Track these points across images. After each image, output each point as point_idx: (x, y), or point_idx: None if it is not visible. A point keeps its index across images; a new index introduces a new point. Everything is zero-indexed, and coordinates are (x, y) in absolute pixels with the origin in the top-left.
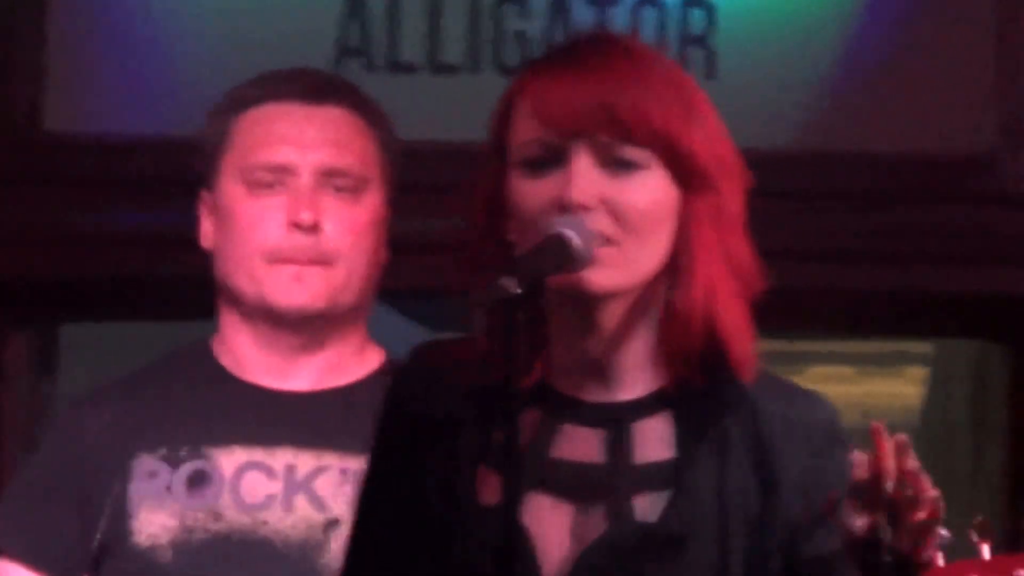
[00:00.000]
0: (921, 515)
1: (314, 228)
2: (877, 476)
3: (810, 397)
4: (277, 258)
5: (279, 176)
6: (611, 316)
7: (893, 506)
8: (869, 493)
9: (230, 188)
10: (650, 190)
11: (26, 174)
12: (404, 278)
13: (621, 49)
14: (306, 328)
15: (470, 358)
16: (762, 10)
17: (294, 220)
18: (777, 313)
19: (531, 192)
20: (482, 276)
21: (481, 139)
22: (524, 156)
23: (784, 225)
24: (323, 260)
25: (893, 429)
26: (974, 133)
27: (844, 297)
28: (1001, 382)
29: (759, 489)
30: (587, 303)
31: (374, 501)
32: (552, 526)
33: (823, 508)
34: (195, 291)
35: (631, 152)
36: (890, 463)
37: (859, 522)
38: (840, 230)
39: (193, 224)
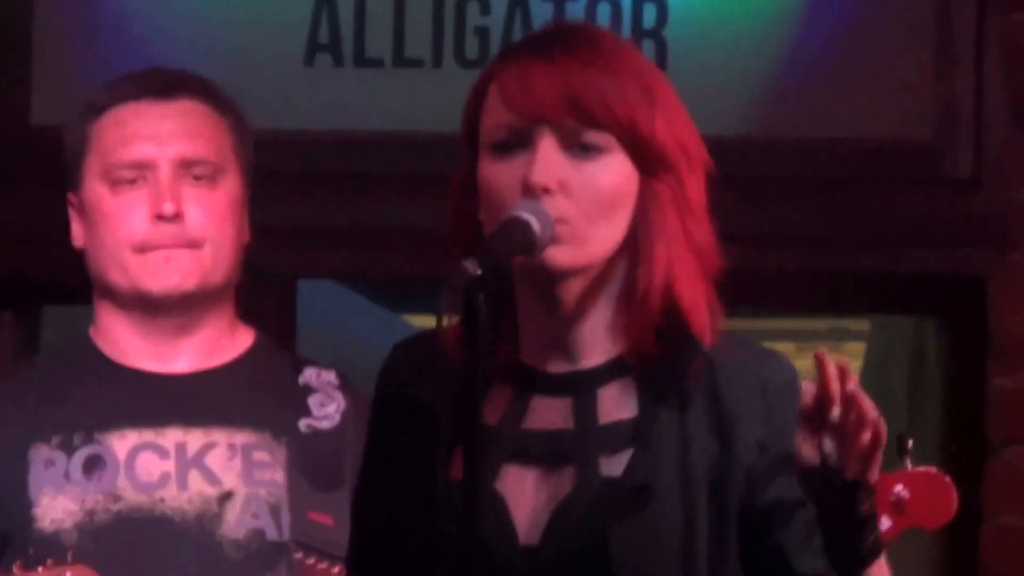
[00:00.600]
0: (866, 436)
1: (177, 217)
2: (823, 401)
3: (768, 355)
4: (145, 247)
5: (140, 172)
6: (572, 292)
7: (839, 430)
8: (816, 419)
9: (95, 188)
10: (611, 173)
11: (11, 167)
12: (376, 267)
13: (586, 39)
14: (180, 310)
15: (449, 344)
16: (710, 5)
17: (158, 212)
18: (725, 293)
19: (499, 174)
20: (457, 259)
21: (443, 129)
22: (494, 140)
23: (728, 209)
24: (190, 244)
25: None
26: (912, 120)
27: (786, 278)
28: (934, 356)
29: (719, 442)
30: (549, 280)
31: (370, 480)
32: (526, 491)
33: (799, 467)
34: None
35: (594, 136)
36: (835, 387)
37: (809, 449)
38: (782, 214)
39: None
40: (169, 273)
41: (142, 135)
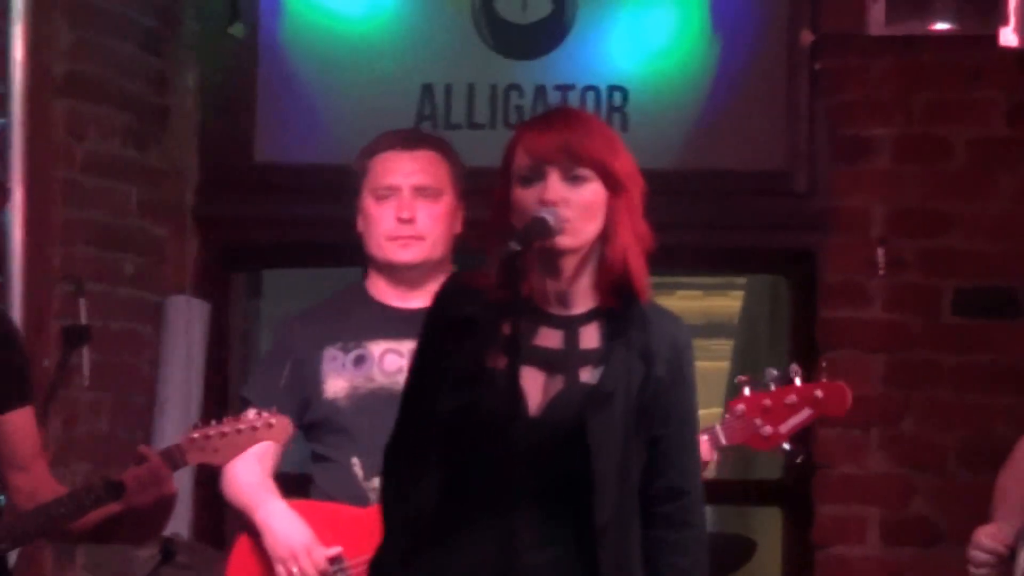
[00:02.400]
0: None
1: (412, 221)
2: None
3: (677, 320)
4: (392, 237)
5: (391, 191)
6: (568, 264)
7: None
8: None
9: (367, 200)
10: (591, 193)
11: (241, 191)
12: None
13: (574, 115)
14: (411, 273)
15: (485, 283)
16: (653, 94)
17: (400, 217)
18: (657, 260)
19: (525, 195)
20: (500, 242)
21: (494, 165)
22: (520, 175)
23: (657, 212)
24: (417, 237)
25: (722, 330)
26: (772, 156)
27: (696, 251)
28: (785, 299)
29: (644, 367)
30: (555, 256)
31: (425, 367)
32: (533, 385)
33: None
34: (337, 255)
35: (581, 171)
36: None
37: None
38: (694, 215)
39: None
40: (404, 254)
41: (394, 171)
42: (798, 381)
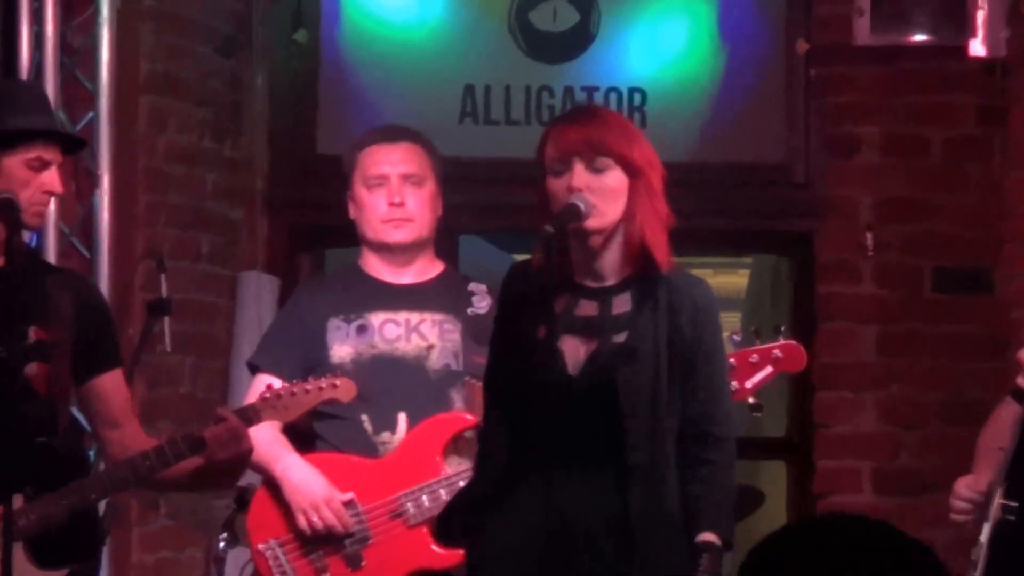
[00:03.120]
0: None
1: (401, 205)
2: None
3: (699, 282)
4: (384, 219)
5: (381, 181)
6: (597, 242)
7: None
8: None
9: (359, 189)
10: (613, 179)
11: (305, 179)
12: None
13: (597, 111)
14: (402, 252)
15: (538, 267)
16: (668, 95)
17: (391, 202)
18: (676, 242)
19: (556, 185)
20: (539, 224)
21: (529, 156)
22: (552, 167)
23: (673, 200)
24: (407, 219)
25: (731, 304)
26: (774, 151)
27: (709, 233)
28: (786, 275)
29: (669, 324)
30: (586, 236)
31: (496, 340)
32: (572, 350)
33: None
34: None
35: (603, 162)
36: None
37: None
38: (708, 201)
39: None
40: (397, 234)
41: (382, 161)
42: (759, 343)
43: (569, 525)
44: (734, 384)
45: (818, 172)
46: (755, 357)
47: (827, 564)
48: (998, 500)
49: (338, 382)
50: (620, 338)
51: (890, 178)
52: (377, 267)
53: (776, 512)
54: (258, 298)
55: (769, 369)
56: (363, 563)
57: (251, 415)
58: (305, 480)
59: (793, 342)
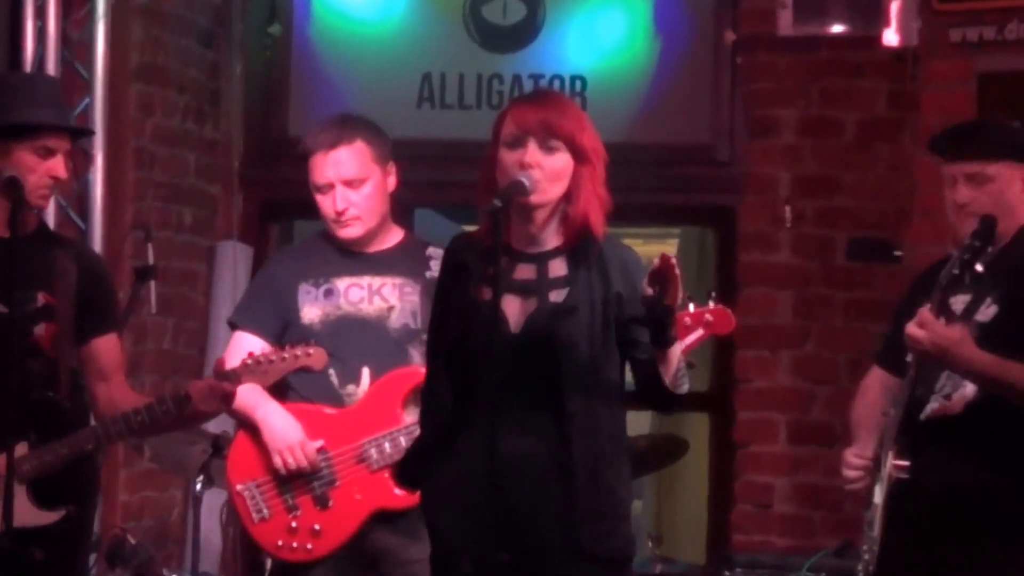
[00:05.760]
0: (676, 274)
1: (345, 210)
2: (661, 270)
3: (626, 247)
4: (333, 221)
5: (326, 188)
6: (539, 215)
7: (664, 282)
8: (654, 277)
9: (313, 192)
10: (562, 161)
11: (275, 157)
12: (449, 198)
13: (555, 97)
14: (356, 243)
15: (478, 234)
16: (606, 82)
17: (335, 209)
18: (612, 215)
19: (507, 157)
20: (487, 196)
21: (481, 137)
22: (506, 140)
23: (610, 177)
24: (355, 218)
25: None
26: (702, 132)
27: (642, 207)
28: (711, 245)
29: (603, 286)
30: (529, 210)
31: (439, 302)
32: (513, 310)
33: (643, 298)
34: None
35: (554, 143)
36: (666, 264)
37: (648, 290)
38: (640, 178)
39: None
40: (345, 231)
41: (322, 172)
42: (692, 307)
43: (512, 467)
44: None
45: (741, 151)
46: (687, 320)
47: None
48: (891, 461)
49: (312, 351)
50: (557, 297)
51: (807, 157)
52: (340, 240)
53: (699, 460)
54: (233, 265)
55: (700, 331)
56: (330, 503)
57: (234, 377)
58: (282, 425)
59: (722, 307)
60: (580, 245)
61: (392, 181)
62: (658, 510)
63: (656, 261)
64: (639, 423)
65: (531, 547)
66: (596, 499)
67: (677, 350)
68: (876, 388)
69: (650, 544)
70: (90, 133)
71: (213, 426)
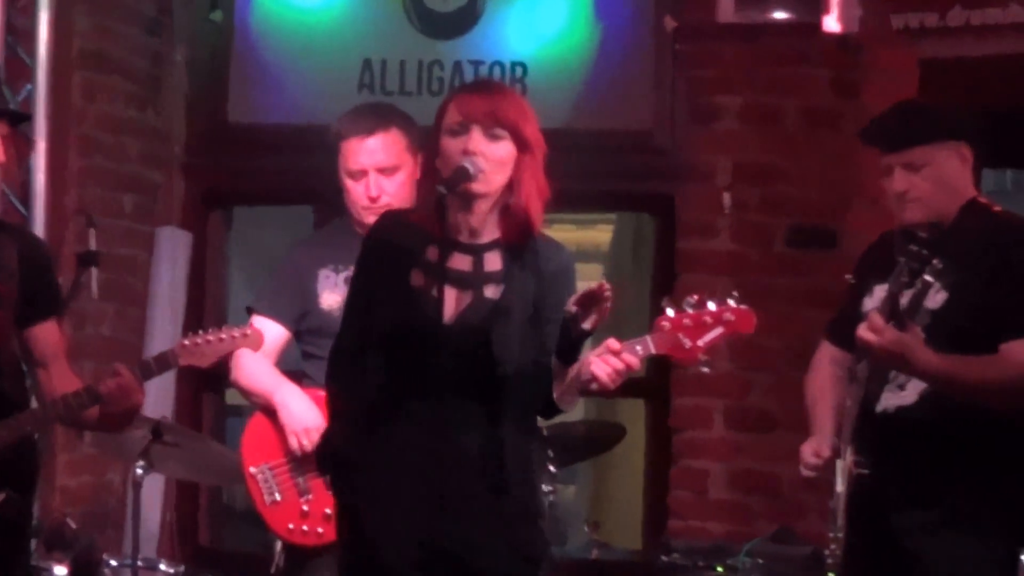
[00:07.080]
0: (606, 305)
1: (379, 197)
2: (590, 294)
3: (561, 246)
4: (365, 207)
5: (360, 174)
6: (480, 205)
7: (590, 308)
8: (585, 299)
9: (343, 176)
10: (505, 151)
11: (214, 146)
12: None
13: (499, 86)
14: None
15: (414, 217)
16: (547, 68)
17: (369, 195)
18: (552, 202)
19: (450, 145)
20: (428, 183)
21: (425, 123)
22: (450, 128)
23: (549, 163)
24: (387, 205)
25: (592, 256)
26: (644, 119)
27: (578, 194)
28: (648, 231)
29: (538, 285)
30: (470, 198)
31: (359, 281)
32: (449, 299)
33: (566, 314)
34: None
35: (497, 131)
36: (598, 290)
37: (572, 308)
38: (576, 166)
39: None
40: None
41: (357, 158)
42: (712, 305)
43: (444, 455)
44: (688, 342)
45: (682, 138)
46: (708, 318)
47: None
48: (850, 457)
49: (248, 331)
50: (492, 293)
51: (748, 144)
52: (364, 227)
53: (636, 444)
54: (173, 251)
55: (720, 330)
56: None
57: (170, 359)
58: (300, 408)
59: (745, 307)
60: (518, 240)
61: (419, 171)
62: (594, 496)
63: (592, 285)
64: (575, 409)
65: (467, 551)
66: (531, 500)
67: (576, 370)
68: (826, 364)
69: (586, 530)
70: (27, 117)
71: (152, 411)
